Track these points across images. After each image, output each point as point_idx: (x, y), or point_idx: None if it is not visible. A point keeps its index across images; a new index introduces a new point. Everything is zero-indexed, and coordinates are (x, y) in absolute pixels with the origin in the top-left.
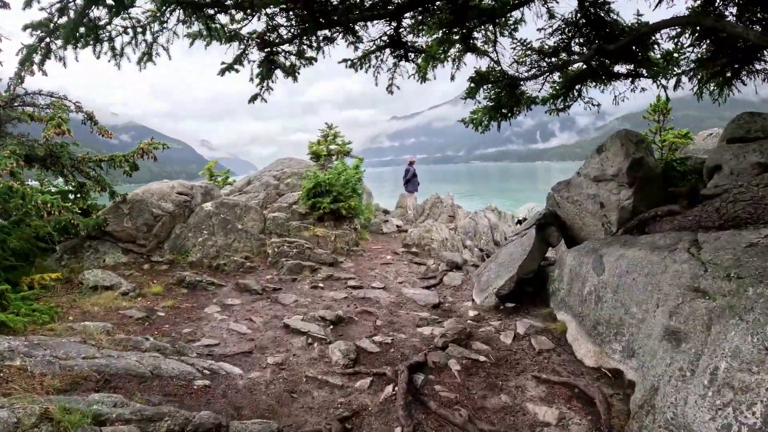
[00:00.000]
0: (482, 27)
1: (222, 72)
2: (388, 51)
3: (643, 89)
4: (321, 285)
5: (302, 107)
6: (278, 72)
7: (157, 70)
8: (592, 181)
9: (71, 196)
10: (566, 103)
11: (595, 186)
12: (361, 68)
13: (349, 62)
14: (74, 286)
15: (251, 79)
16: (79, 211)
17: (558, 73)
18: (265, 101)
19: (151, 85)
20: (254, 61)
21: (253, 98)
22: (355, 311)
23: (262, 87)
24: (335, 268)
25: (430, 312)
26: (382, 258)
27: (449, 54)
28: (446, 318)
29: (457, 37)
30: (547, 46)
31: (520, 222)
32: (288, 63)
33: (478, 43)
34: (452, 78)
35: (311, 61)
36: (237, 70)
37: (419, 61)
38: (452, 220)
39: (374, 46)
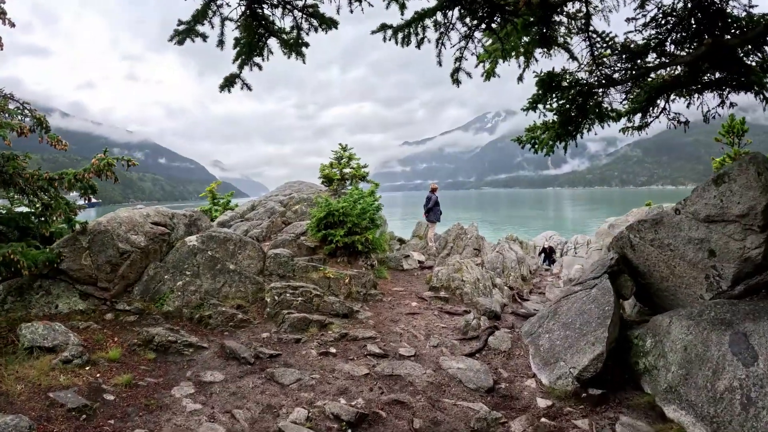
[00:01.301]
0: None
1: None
2: (456, 12)
3: (732, 104)
4: (333, 350)
5: (315, 131)
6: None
7: (173, 90)
8: (701, 221)
9: (34, 220)
10: (645, 120)
11: (705, 228)
12: (405, 41)
13: (389, 31)
14: (8, 343)
15: (233, 61)
16: (36, 243)
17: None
18: (249, 88)
19: (167, 105)
20: (236, 23)
21: (228, 83)
22: (382, 401)
23: (246, 63)
24: (350, 322)
25: (484, 400)
26: (406, 305)
27: (518, 47)
28: (509, 411)
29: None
30: (634, 44)
31: (546, 252)
32: (290, 26)
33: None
34: (520, 79)
35: (330, 25)
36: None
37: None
38: (477, 253)
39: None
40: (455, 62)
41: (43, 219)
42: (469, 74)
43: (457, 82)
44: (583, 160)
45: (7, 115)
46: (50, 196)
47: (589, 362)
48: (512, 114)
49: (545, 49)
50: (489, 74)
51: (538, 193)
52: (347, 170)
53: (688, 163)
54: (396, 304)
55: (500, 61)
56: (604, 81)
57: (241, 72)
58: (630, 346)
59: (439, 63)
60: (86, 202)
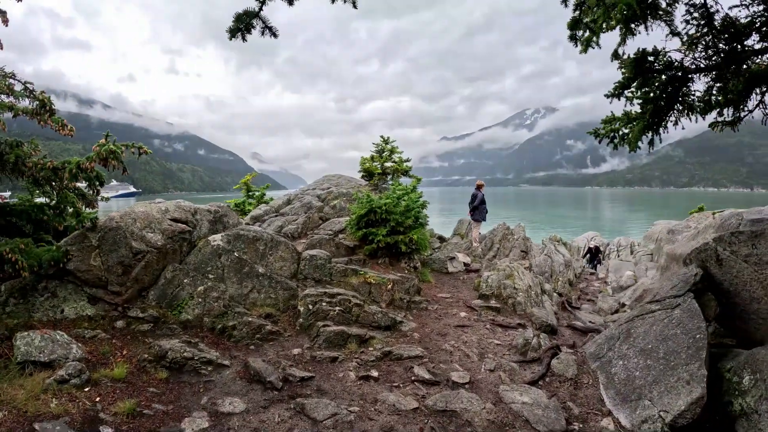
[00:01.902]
0: None
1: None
2: None
3: None
4: (374, 373)
5: (354, 125)
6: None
7: (212, 83)
8: None
9: (49, 212)
10: (738, 114)
11: None
12: None
13: None
14: (0, 355)
15: None
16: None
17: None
18: (273, 34)
19: (207, 98)
20: None
21: (243, 22)
22: None
23: None
24: (393, 335)
25: None
26: (454, 315)
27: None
28: None
29: None
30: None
31: (591, 252)
32: None
33: None
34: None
35: None
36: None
37: None
38: (525, 256)
39: None
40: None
41: (57, 212)
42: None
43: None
44: (623, 159)
45: (11, 97)
46: (57, 186)
47: (686, 407)
48: (552, 110)
49: (641, 21)
50: (587, 44)
51: (576, 192)
52: (389, 164)
53: (731, 165)
54: (443, 314)
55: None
56: (702, 65)
57: (261, 9)
58: (719, 381)
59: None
60: (124, 192)
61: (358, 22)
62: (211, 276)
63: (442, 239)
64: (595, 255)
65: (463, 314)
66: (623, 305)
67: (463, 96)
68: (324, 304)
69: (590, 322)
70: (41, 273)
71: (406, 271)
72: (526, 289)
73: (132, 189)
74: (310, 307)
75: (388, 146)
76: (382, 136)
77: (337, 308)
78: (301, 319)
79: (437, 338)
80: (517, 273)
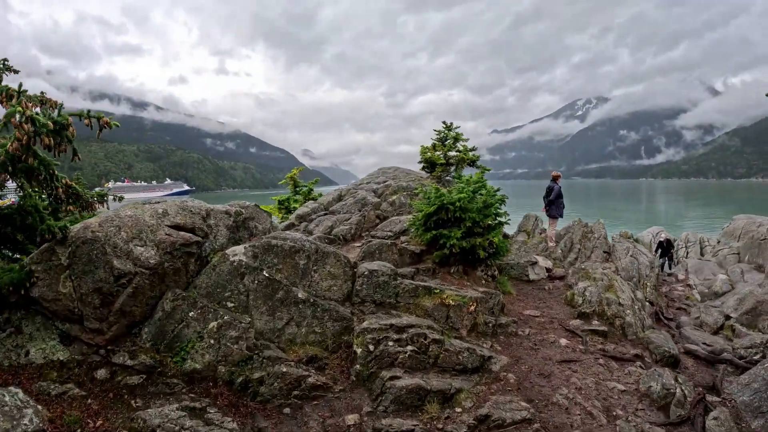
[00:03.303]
0: None
1: None
2: None
3: None
4: None
5: (405, 119)
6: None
7: (262, 82)
8: None
9: (36, 216)
10: None
11: None
12: None
13: None
14: None
15: None
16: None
17: None
18: None
19: (257, 96)
20: None
21: None
22: None
23: None
24: (484, 380)
25: None
26: (553, 342)
27: None
28: None
29: None
30: None
31: (663, 247)
32: None
33: None
34: None
35: None
36: None
37: None
38: (608, 257)
39: None
40: None
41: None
42: None
43: None
44: (678, 149)
45: None
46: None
47: None
48: (604, 101)
49: None
50: None
51: (630, 183)
52: (452, 153)
53: None
54: (538, 341)
55: None
56: None
57: None
58: None
59: None
60: (178, 190)
61: (406, 16)
62: (229, 305)
63: (506, 237)
64: (667, 250)
65: (563, 342)
66: (729, 317)
67: (513, 87)
68: (390, 343)
69: (705, 344)
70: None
71: (484, 282)
72: (630, 304)
73: (185, 187)
74: (371, 348)
75: (452, 133)
76: (444, 122)
77: (409, 348)
78: (358, 366)
79: (540, 382)
80: (618, 284)
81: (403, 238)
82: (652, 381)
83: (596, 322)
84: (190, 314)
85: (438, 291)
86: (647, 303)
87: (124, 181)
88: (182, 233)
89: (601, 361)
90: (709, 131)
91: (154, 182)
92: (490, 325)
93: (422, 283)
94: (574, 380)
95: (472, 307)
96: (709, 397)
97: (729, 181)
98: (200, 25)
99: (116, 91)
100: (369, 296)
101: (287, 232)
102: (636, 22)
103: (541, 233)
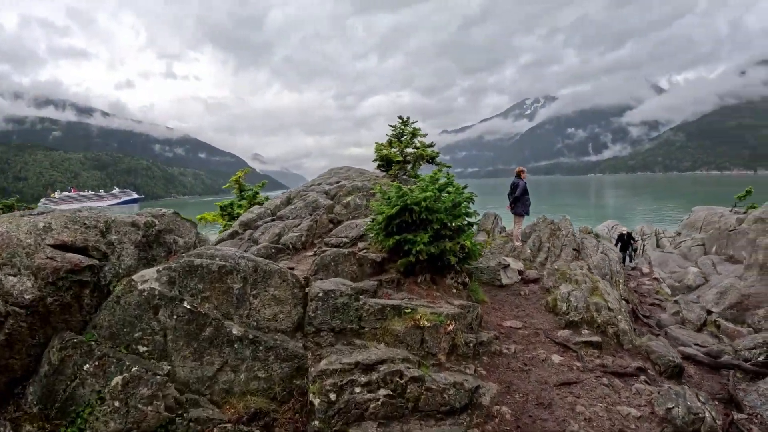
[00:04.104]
0: None
1: None
2: None
3: None
4: None
5: (355, 121)
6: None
7: (211, 86)
8: None
9: None
10: None
11: None
12: None
13: None
14: None
15: None
16: None
17: None
18: None
19: (205, 100)
20: None
21: None
22: None
23: None
24: (475, 422)
25: None
26: (544, 360)
27: None
28: None
29: None
30: None
31: (624, 240)
32: None
33: None
34: None
35: None
36: None
37: None
38: (578, 255)
39: None
40: None
41: None
42: None
43: None
44: (625, 145)
45: None
46: None
47: None
48: (552, 100)
49: None
50: None
51: (579, 179)
52: (410, 150)
53: (733, 148)
54: (528, 360)
55: None
56: None
57: None
58: None
59: None
60: (127, 199)
61: (355, 18)
62: (141, 349)
63: None
64: (627, 243)
65: (556, 358)
66: (710, 312)
67: (462, 88)
68: (357, 389)
69: (697, 345)
70: None
71: (455, 290)
72: (620, 308)
73: (134, 195)
74: (333, 396)
75: (409, 128)
76: (400, 117)
77: (382, 393)
78: (316, 422)
79: (542, 414)
80: (601, 285)
81: (360, 245)
82: (669, 402)
83: (587, 331)
84: (85, 367)
85: (409, 311)
86: (623, 301)
87: (70, 191)
88: (70, 255)
89: (603, 379)
90: (654, 127)
91: (101, 191)
92: (471, 344)
93: (390, 302)
94: (580, 408)
95: (450, 327)
96: (734, 413)
97: (675, 174)
98: (147, 27)
99: (61, 97)
100: (326, 323)
101: (216, 247)
102: (583, 23)
103: (501, 232)
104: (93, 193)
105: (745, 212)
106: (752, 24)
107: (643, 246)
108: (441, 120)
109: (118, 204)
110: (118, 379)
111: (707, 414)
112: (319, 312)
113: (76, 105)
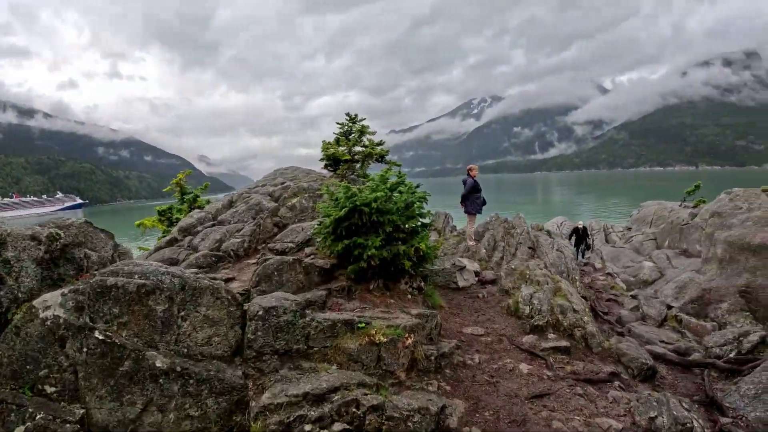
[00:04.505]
0: None
1: None
2: None
3: None
4: None
5: (302, 122)
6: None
7: (156, 85)
8: None
9: None
10: None
11: None
12: None
13: None
14: None
15: None
16: None
17: None
18: None
19: (151, 101)
20: None
21: None
22: None
23: None
24: None
25: None
26: (511, 370)
27: None
28: None
29: None
30: None
31: (578, 234)
32: None
33: None
34: None
35: None
36: None
37: None
38: (533, 253)
39: None
40: None
41: None
42: None
43: None
44: (570, 143)
45: None
46: None
47: None
48: (498, 99)
49: None
50: None
51: (526, 177)
52: (358, 148)
53: (675, 145)
54: (495, 372)
55: None
56: None
57: None
58: None
59: None
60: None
61: (304, 17)
62: (49, 390)
63: None
64: (582, 237)
65: (524, 367)
66: (670, 307)
67: (410, 88)
68: (308, 427)
69: (663, 342)
70: None
71: (410, 296)
72: (584, 308)
73: (78, 200)
74: None
75: (357, 126)
76: (348, 114)
77: (337, 429)
78: None
79: None
80: (563, 285)
81: (307, 250)
82: (651, 410)
83: (553, 335)
84: None
85: (363, 325)
86: (582, 299)
87: (12, 197)
88: None
89: (577, 388)
90: (598, 126)
91: (44, 196)
92: (433, 357)
93: (341, 317)
94: (557, 424)
95: (409, 340)
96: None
97: (619, 171)
98: (92, 25)
99: (2, 98)
100: (268, 345)
101: (136, 261)
102: (531, 24)
103: (452, 231)
104: (36, 198)
105: (694, 206)
106: (694, 27)
107: (593, 241)
108: (389, 120)
109: (61, 210)
110: (20, 429)
111: (695, 423)
112: (259, 333)
113: (17, 106)
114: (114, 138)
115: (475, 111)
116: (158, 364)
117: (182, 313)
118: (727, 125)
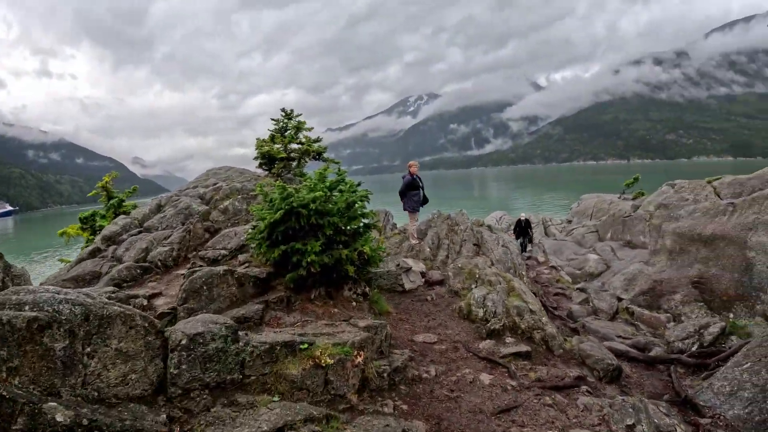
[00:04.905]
0: None
1: None
2: None
3: None
4: None
5: (238, 121)
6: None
7: (88, 84)
8: None
9: None
10: None
11: None
12: None
13: None
14: None
15: None
16: None
17: None
18: None
19: (82, 100)
20: None
21: None
22: None
23: None
24: None
25: None
26: (472, 382)
27: None
28: None
29: None
30: None
31: (521, 227)
32: None
33: None
34: None
35: None
36: None
37: None
38: (479, 250)
39: None
40: None
41: None
42: None
43: None
44: (506, 139)
45: None
46: None
47: None
48: (434, 97)
49: None
50: None
51: (463, 173)
52: (294, 145)
53: (608, 139)
54: (454, 385)
55: None
56: None
57: None
58: None
59: None
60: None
61: (240, 14)
62: None
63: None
64: (525, 230)
65: (485, 378)
66: (620, 299)
67: (347, 86)
68: None
69: (620, 337)
70: None
71: (354, 303)
72: (541, 308)
73: (8, 207)
74: None
75: (293, 122)
76: (283, 109)
77: None
78: None
79: None
80: (516, 283)
81: (241, 257)
82: (627, 418)
83: (511, 339)
84: None
85: (306, 346)
86: (536, 298)
87: None
88: None
89: (546, 398)
90: (533, 122)
91: None
92: (385, 374)
93: (280, 338)
94: None
95: (359, 358)
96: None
97: (554, 165)
98: (20, 20)
99: None
100: (196, 380)
101: (29, 288)
102: (467, 23)
103: (392, 229)
104: None
105: (634, 198)
106: (627, 27)
107: (533, 234)
108: (325, 118)
109: None
110: None
111: (678, 430)
112: (184, 366)
113: None
114: (44, 140)
115: (412, 108)
116: (59, 418)
117: (88, 350)
118: (658, 120)
